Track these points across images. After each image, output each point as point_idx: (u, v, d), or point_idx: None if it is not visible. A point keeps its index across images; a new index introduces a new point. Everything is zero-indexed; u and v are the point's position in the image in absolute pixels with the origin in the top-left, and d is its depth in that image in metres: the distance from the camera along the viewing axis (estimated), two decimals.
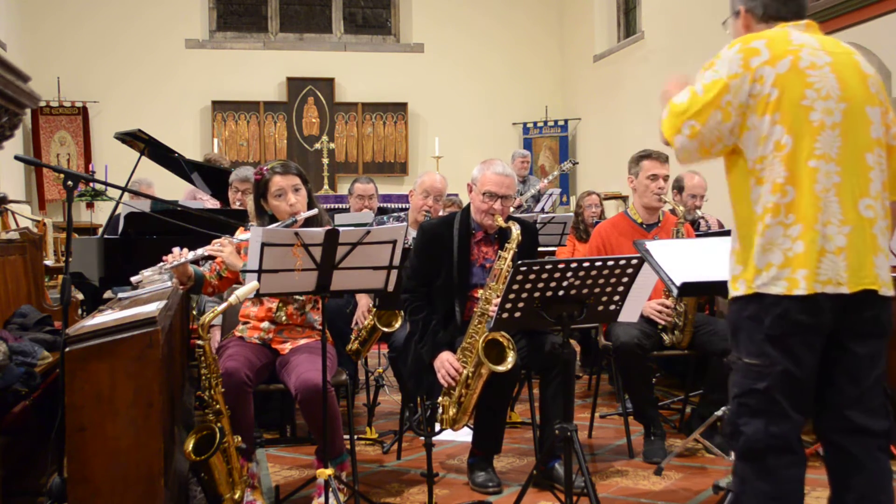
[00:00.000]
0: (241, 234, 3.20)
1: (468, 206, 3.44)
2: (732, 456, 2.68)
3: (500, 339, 3.05)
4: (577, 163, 9.18)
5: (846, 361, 2.03)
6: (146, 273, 2.93)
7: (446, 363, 3.17)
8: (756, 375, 2.01)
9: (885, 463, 2.03)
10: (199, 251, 2.96)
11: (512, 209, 3.56)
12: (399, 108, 11.37)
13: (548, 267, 2.58)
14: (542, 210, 7.57)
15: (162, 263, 2.90)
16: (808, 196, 1.97)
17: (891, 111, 2.11)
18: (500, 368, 3.00)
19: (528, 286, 2.60)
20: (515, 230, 3.18)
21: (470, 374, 3.10)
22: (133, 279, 2.96)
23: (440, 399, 3.18)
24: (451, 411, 3.15)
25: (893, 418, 2.10)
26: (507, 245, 3.18)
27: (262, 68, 11.08)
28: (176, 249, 2.92)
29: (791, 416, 2.00)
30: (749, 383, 2.03)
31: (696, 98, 2.04)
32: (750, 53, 2.02)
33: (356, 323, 4.00)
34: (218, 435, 2.62)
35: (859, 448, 2.03)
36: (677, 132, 2.05)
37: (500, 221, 3.26)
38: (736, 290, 2.07)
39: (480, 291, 3.23)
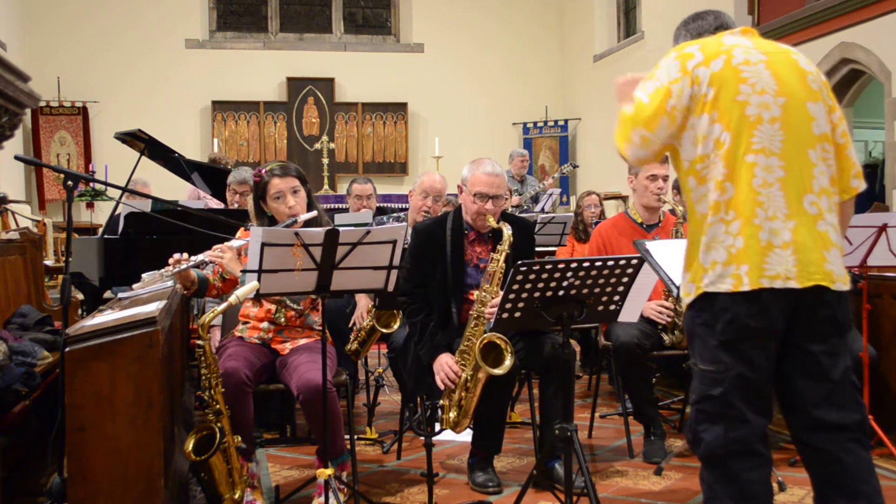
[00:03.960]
0: (241, 237, 3.20)
1: (460, 206, 3.44)
2: None
3: (498, 342, 3.04)
4: (577, 166, 9.19)
5: (805, 362, 2.02)
6: (147, 278, 2.92)
7: (445, 366, 3.17)
8: (711, 381, 2.01)
9: (860, 453, 2.01)
10: (199, 257, 2.95)
11: (512, 209, 3.55)
12: (399, 108, 11.38)
13: (548, 267, 2.58)
14: (542, 210, 7.58)
15: (163, 270, 2.89)
16: (746, 191, 1.97)
17: (837, 109, 2.11)
18: (498, 371, 3.00)
19: (527, 286, 2.60)
20: (507, 231, 3.17)
21: (469, 377, 3.10)
22: (135, 286, 2.96)
23: (441, 401, 3.18)
24: (453, 414, 3.15)
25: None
26: (499, 247, 3.17)
27: (262, 68, 11.09)
28: (176, 255, 2.91)
29: (749, 419, 1.99)
30: (705, 389, 2.02)
31: (642, 107, 2.07)
32: (685, 58, 2.06)
33: (355, 323, 4.00)
34: (218, 435, 2.62)
35: (831, 444, 2.01)
36: (628, 141, 2.08)
37: (492, 222, 3.25)
38: (687, 297, 2.07)
39: (476, 293, 3.22)
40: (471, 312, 3.16)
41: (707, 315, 2.02)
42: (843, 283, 2.00)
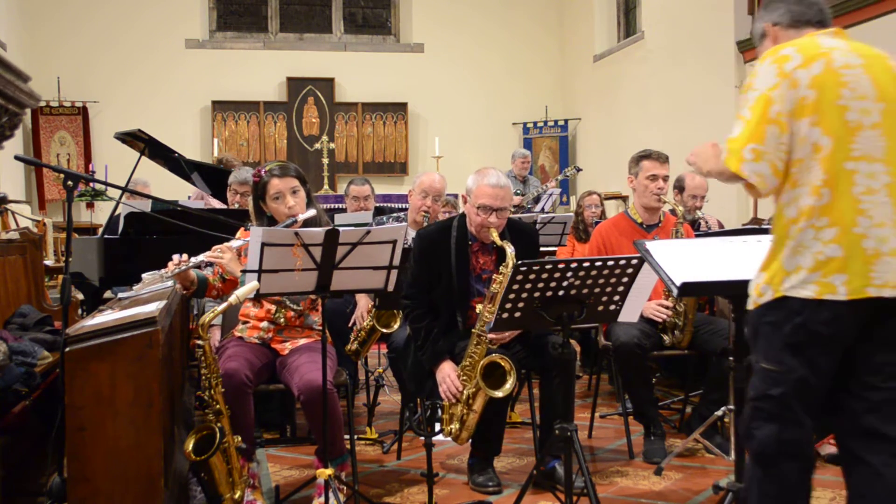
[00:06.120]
0: (241, 237, 3.20)
1: (464, 214, 3.39)
2: (732, 455, 2.69)
3: (501, 362, 3.04)
4: (581, 169, 9.19)
5: (868, 370, 2.01)
6: (146, 278, 2.93)
7: (447, 379, 3.16)
8: (772, 381, 2.01)
9: None
10: (200, 257, 2.95)
11: (513, 209, 3.53)
12: (399, 108, 11.38)
13: (548, 267, 2.58)
14: (542, 210, 7.57)
15: (163, 271, 2.89)
16: (846, 199, 1.94)
17: None
18: (498, 394, 3.00)
19: (528, 286, 2.60)
20: (510, 251, 3.08)
21: (470, 395, 3.10)
22: (135, 287, 2.96)
23: (443, 403, 3.17)
24: (455, 426, 3.15)
25: None
26: (502, 268, 3.10)
27: (262, 68, 11.08)
28: (176, 256, 2.91)
29: (804, 422, 2.01)
30: (765, 388, 2.03)
31: (745, 122, 2.01)
32: (782, 60, 2.00)
33: (354, 322, 4.00)
34: (218, 435, 2.62)
35: (875, 455, 2.00)
36: (741, 161, 1.98)
37: (496, 238, 3.17)
38: (760, 297, 2.04)
39: (479, 307, 3.20)
40: (473, 330, 3.14)
41: (776, 315, 2.00)
42: None
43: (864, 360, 2.01)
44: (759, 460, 2.05)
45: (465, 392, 3.11)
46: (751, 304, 2.09)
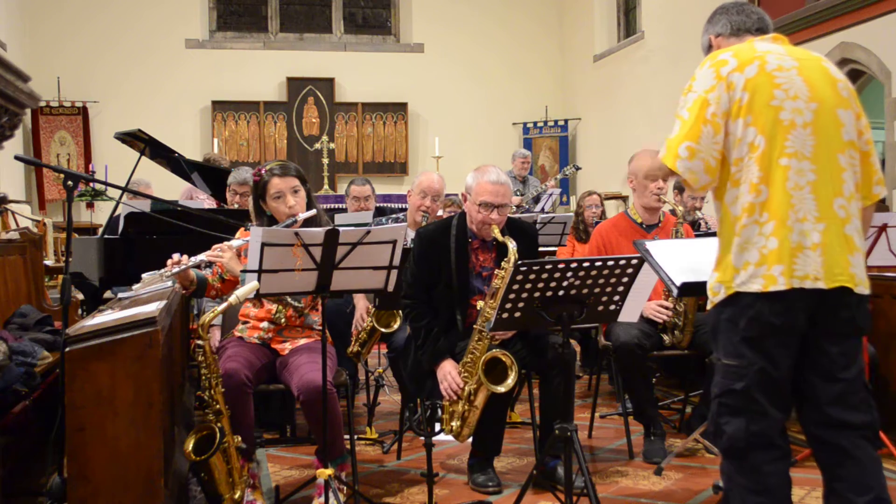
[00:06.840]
0: (240, 237, 3.20)
1: (464, 212, 3.39)
2: None
3: (502, 358, 3.04)
4: (580, 168, 9.21)
5: (822, 361, 2.08)
6: (146, 278, 2.92)
7: (448, 376, 3.16)
8: (734, 376, 2.07)
9: (871, 450, 2.07)
10: (199, 257, 2.95)
11: (513, 209, 3.53)
12: (399, 108, 11.38)
13: (548, 267, 2.58)
14: (542, 210, 7.57)
15: (163, 270, 2.89)
16: (780, 193, 2.02)
17: (863, 116, 2.15)
18: (500, 389, 3.01)
19: (528, 286, 2.60)
20: (512, 246, 3.09)
21: (472, 391, 3.10)
22: (135, 287, 2.96)
23: (444, 402, 3.17)
24: (455, 424, 3.15)
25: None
26: (504, 263, 3.10)
27: (262, 68, 11.09)
28: (175, 256, 2.91)
29: (770, 413, 2.06)
30: (728, 384, 2.09)
31: (683, 122, 2.10)
32: (719, 65, 2.10)
33: (355, 326, 3.99)
34: (218, 435, 2.62)
35: (843, 439, 2.07)
36: (676, 157, 2.08)
37: (497, 234, 3.19)
38: (715, 296, 2.12)
39: (480, 304, 3.20)
40: (475, 326, 3.14)
41: (732, 311, 2.07)
42: (864, 287, 2.06)
43: (819, 351, 2.08)
44: (731, 454, 2.10)
45: (466, 388, 3.11)
46: (709, 304, 2.16)
